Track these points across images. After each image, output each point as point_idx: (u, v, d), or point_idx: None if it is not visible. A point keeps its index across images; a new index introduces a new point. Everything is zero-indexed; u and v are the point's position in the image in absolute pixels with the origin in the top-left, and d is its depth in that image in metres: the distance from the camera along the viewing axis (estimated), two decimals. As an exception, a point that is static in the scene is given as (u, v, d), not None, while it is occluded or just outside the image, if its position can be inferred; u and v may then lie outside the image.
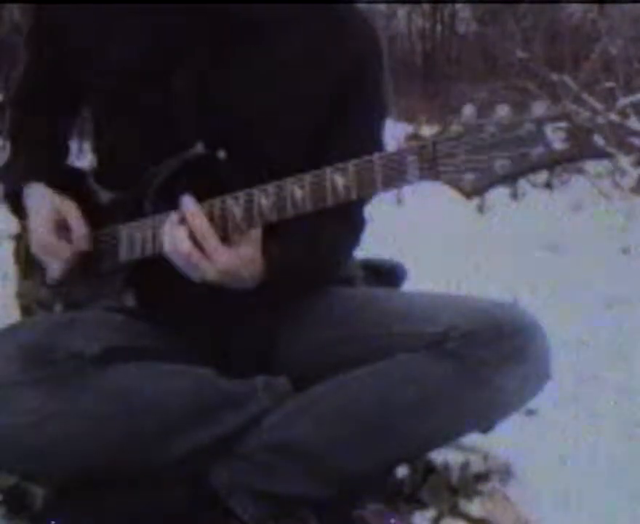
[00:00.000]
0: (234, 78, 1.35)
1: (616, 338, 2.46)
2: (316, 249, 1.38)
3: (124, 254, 1.36)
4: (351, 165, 1.15)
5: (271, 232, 1.27)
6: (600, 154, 1.09)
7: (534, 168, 1.06)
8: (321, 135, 1.38)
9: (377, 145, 1.40)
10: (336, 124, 1.38)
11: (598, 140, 1.05)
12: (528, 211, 4.58)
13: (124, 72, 1.35)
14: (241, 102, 1.35)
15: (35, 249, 1.41)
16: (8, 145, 1.55)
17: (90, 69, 1.39)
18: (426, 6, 11.67)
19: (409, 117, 7.43)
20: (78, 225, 1.36)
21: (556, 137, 1.04)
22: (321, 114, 1.37)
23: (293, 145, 1.37)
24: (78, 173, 1.50)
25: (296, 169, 1.22)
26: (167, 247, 1.25)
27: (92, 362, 1.29)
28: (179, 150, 1.33)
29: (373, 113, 1.44)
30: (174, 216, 1.25)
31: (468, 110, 1.11)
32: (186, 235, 1.22)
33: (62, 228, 1.37)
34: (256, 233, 1.25)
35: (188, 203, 1.24)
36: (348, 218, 1.39)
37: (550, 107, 1.10)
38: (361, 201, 1.37)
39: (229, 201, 1.23)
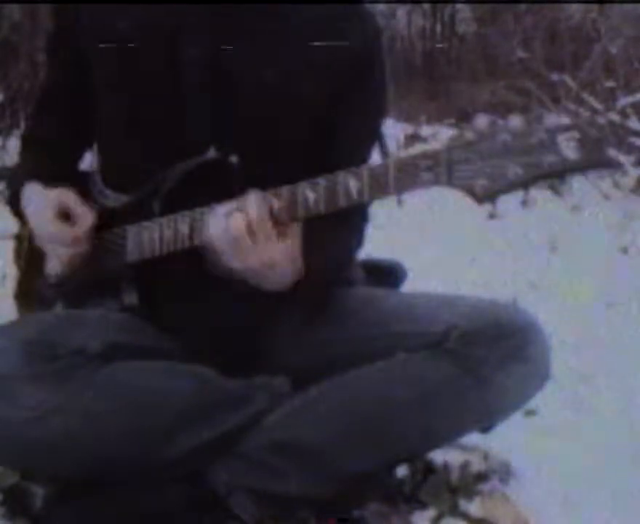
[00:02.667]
0: (248, 52, 1.35)
1: (616, 338, 2.46)
2: (320, 253, 1.38)
3: (130, 254, 1.36)
4: (365, 169, 1.16)
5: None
6: (611, 164, 1.10)
7: (545, 176, 1.08)
8: (328, 115, 1.39)
9: (376, 137, 1.43)
10: (344, 105, 1.39)
11: (610, 150, 1.06)
12: (528, 211, 4.57)
13: (136, 44, 1.35)
14: (252, 73, 1.35)
15: (38, 239, 1.41)
16: (19, 148, 1.57)
17: (101, 39, 1.38)
18: (426, 6, 11.67)
19: (409, 117, 7.42)
20: (81, 209, 1.37)
21: (568, 147, 1.06)
22: (329, 93, 1.38)
23: (300, 123, 1.37)
24: (84, 176, 1.50)
25: (300, 148, 1.22)
26: (217, 230, 1.22)
27: (94, 358, 1.30)
28: (190, 138, 1.33)
29: (379, 98, 1.45)
30: (230, 205, 1.22)
31: (481, 119, 1.14)
32: (243, 220, 1.20)
33: (63, 216, 1.37)
34: (296, 228, 1.24)
35: (251, 195, 1.22)
36: (350, 220, 1.39)
37: (562, 118, 1.12)
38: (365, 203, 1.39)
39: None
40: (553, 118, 1.10)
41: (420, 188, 1.14)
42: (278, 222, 1.21)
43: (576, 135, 1.06)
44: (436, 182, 1.12)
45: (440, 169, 1.11)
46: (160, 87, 1.36)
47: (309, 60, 1.36)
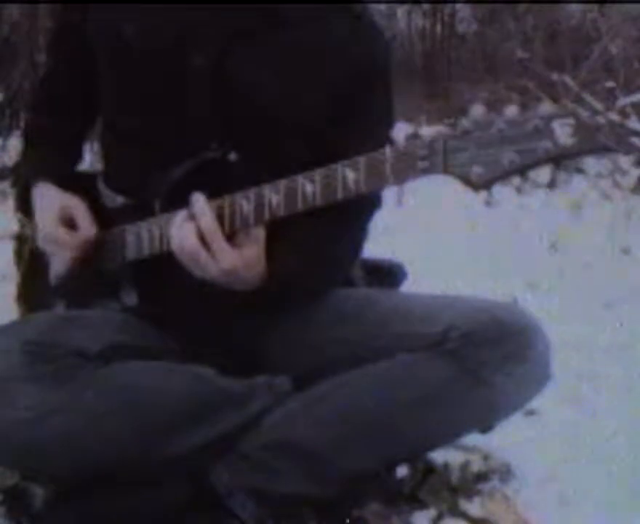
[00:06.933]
0: (253, 59, 1.35)
1: (616, 338, 2.46)
2: (318, 258, 1.38)
3: (130, 253, 1.37)
4: (362, 159, 1.16)
5: (274, 239, 1.27)
6: (605, 148, 1.10)
7: (541, 162, 1.08)
8: (331, 131, 1.38)
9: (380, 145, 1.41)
10: (347, 120, 1.38)
11: (603, 136, 1.06)
12: (528, 211, 4.57)
13: (141, 47, 1.35)
14: (257, 84, 1.35)
15: (42, 242, 1.42)
16: (21, 144, 1.58)
17: (108, 44, 1.39)
18: (426, 6, 11.66)
19: (409, 117, 7.42)
20: (85, 219, 1.39)
21: (563, 133, 1.06)
22: (333, 107, 1.37)
23: (304, 135, 1.37)
24: (87, 176, 1.51)
25: (303, 161, 1.23)
26: (174, 243, 1.25)
27: (93, 359, 1.30)
28: (191, 139, 1.33)
29: (383, 111, 1.45)
30: (183, 213, 1.25)
31: (477, 109, 1.14)
32: (194, 232, 1.23)
33: (69, 223, 1.39)
34: (259, 233, 1.26)
35: (198, 200, 1.24)
36: (351, 227, 1.39)
37: (556, 106, 1.12)
38: (366, 211, 1.38)
39: (239, 198, 1.24)
40: (548, 107, 1.10)
41: (416, 178, 1.14)
42: (244, 226, 1.23)
43: (570, 121, 1.06)
44: (432, 170, 1.12)
45: (436, 157, 1.11)
46: (163, 90, 1.36)
47: (312, 67, 1.36)
